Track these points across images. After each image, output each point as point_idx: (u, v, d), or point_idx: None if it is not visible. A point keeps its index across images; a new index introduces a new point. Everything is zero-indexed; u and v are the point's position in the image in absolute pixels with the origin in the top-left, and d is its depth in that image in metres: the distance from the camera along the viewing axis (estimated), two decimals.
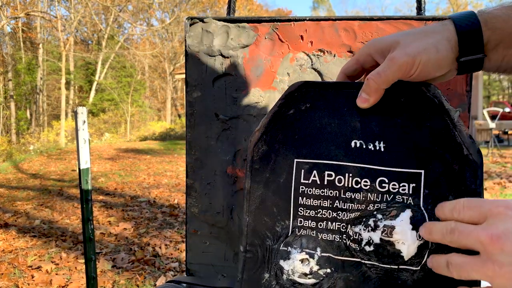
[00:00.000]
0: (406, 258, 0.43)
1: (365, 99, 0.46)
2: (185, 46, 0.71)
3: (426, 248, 0.43)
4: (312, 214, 0.48)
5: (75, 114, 1.72)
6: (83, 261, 2.59)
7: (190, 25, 0.71)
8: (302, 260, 0.47)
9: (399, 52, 0.44)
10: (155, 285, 2.31)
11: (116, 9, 12.63)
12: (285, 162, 0.50)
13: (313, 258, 0.47)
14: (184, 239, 1.32)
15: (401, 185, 0.46)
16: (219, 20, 0.70)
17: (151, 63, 21.34)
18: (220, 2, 19.13)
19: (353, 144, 0.48)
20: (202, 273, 0.73)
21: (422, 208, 0.45)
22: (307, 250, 0.47)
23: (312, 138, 0.49)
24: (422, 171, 0.45)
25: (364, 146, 0.47)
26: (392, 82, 0.45)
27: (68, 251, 2.89)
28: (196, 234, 0.73)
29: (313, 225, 0.48)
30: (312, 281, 0.47)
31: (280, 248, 0.48)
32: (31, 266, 2.61)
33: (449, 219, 0.40)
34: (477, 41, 0.43)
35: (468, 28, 0.43)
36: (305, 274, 0.47)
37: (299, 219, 0.48)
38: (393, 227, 0.43)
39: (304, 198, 0.48)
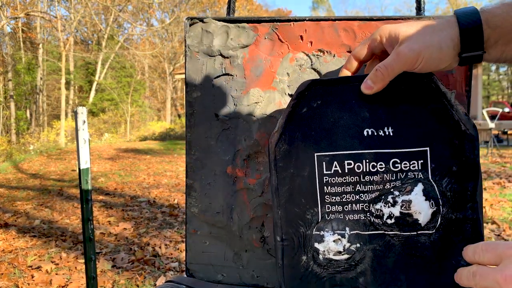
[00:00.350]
0: (423, 225, 0.50)
1: (369, 86, 0.51)
2: (185, 46, 0.71)
3: (438, 213, 0.50)
4: (338, 199, 0.53)
5: (75, 114, 1.72)
6: (83, 261, 2.60)
7: (190, 25, 0.71)
8: (335, 241, 0.53)
9: (405, 47, 0.48)
10: (155, 285, 2.31)
11: (116, 9, 12.62)
12: (306, 157, 0.54)
13: (344, 238, 0.53)
14: (184, 239, 1.33)
15: (411, 163, 0.51)
16: (219, 20, 0.70)
17: (151, 63, 21.33)
18: (220, 2, 19.13)
19: (365, 133, 0.52)
20: (202, 273, 0.73)
21: (431, 180, 0.51)
22: (338, 232, 0.53)
23: (328, 132, 0.53)
24: (428, 148, 0.51)
25: (375, 133, 0.52)
26: (397, 74, 0.50)
27: (68, 251, 2.89)
28: (196, 234, 0.73)
29: (340, 209, 0.54)
30: (345, 256, 0.53)
31: (314, 233, 0.54)
32: (31, 266, 2.61)
33: (472, 262, 0.45)
34: (478, 39, 0.46)
35: (470, 27, 0.46)
36: (339, 252, 0.53)
37: (326, 205, 0.54)
38: (410, 201, 0.50)
39: (329, 187, 0.53)
